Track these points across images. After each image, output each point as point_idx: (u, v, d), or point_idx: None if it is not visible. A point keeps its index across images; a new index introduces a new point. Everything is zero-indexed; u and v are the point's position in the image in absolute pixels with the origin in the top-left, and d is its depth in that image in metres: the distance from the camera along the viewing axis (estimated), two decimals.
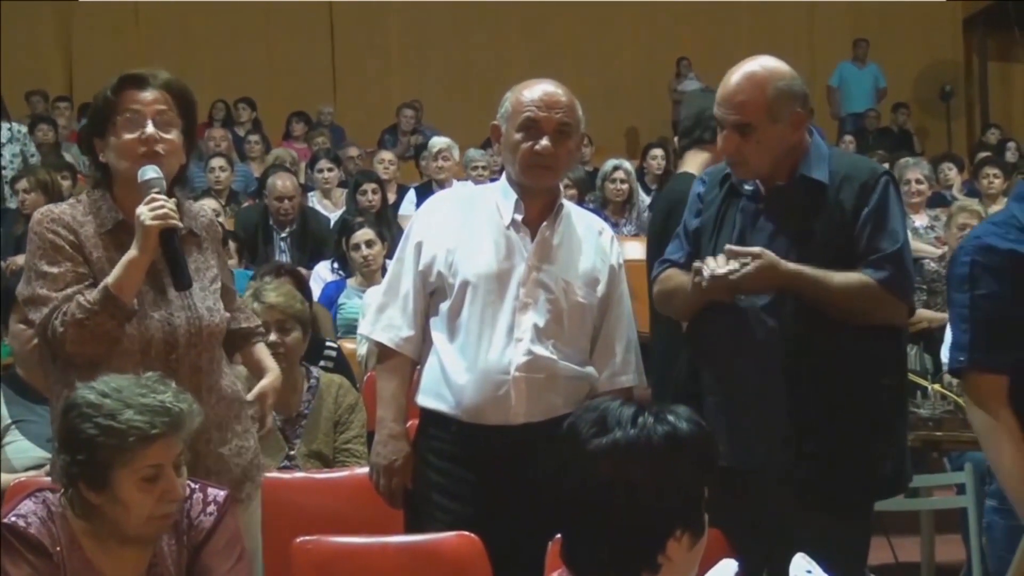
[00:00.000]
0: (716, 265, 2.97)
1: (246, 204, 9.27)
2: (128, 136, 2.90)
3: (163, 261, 2.87)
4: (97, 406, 2.44)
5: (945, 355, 5.16)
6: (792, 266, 2.99)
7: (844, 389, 3.00)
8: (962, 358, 2.89)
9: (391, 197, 9.06)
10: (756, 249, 2.98)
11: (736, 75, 3.07)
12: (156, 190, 2.84)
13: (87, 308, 2.77)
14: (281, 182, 7.96)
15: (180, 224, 2.85)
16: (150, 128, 2.90)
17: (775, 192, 3.10)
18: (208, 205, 5.67)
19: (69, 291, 2.81)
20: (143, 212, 2.80)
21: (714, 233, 3.14)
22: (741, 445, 2.98)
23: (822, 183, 3.06)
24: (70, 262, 2.85)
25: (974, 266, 2.88)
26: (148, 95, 2.93)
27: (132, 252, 2.81)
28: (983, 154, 11.47)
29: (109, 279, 2.80)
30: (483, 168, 9.09)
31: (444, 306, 3.17)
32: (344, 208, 8.70)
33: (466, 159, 9.42)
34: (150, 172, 2.86)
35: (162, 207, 2.80)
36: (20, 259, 7.25)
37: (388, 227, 7.35)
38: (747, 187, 3.13)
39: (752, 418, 3.02)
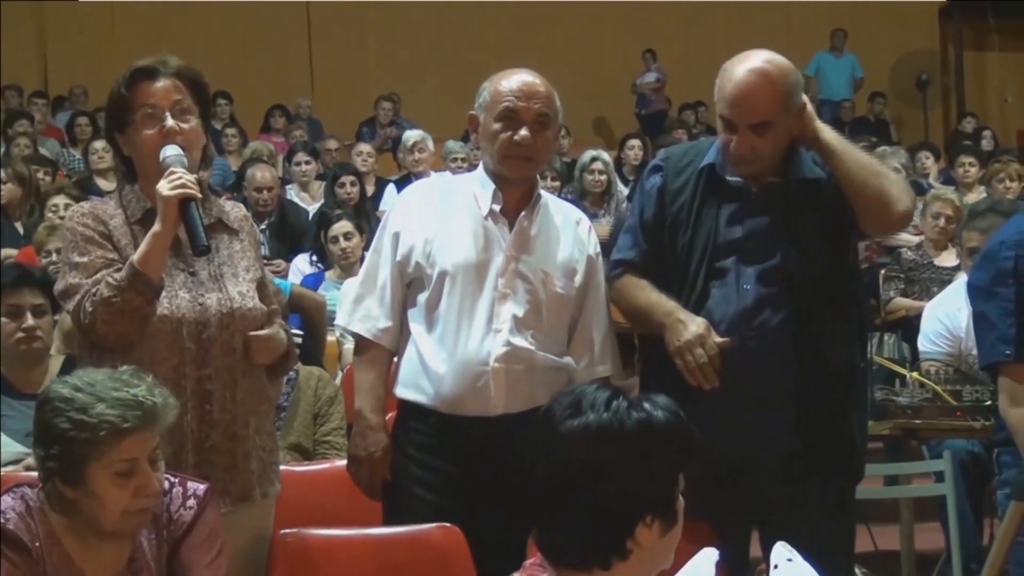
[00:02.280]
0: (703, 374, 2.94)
1: (224, 198, 9.21)
2: (148, 132, 2.92)
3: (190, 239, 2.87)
4: (70, 400, 2.43)
5: (922, 344, 5.17)
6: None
7: (835, 369, 3.04)
8: (1008, 351, 2.93)
9: (369, 189, 9.05)
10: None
11: (746, 75, 2.98)
12: (176, 166, 2.84)
13: (114, 286, 2.77)
14: (260, 173, 7.96)
15: (198, 194, 2.85)
16: (169, 122, 2.91)
17: (770, 189, 3.09)
18: None
19: (99, 276, 2.82)
20: (162, 185, 2.81)
21: (689, 227, 3.11)
22: (737, 437, 2.97)
23: (819, 179, 3.09)
24: (100, 249, 2.87)
25: (1019, 260, 2.92)
26: (161, 85, 2.95)
27: (155, 227, 2.81)
28: (960, 143, 11.54)
29: (135, 256, 2.81)
30: (462, 160, 9.09)
31: (422, 297, 3.16)
32: (322, 201, 8.68)
33: (445, 151, 9.41)
34: (170, 150, 2.88)
35: (179, 178, 2.81)
36: None
37: (366, 219, 7.36)
38: (731, 179, 3.11)
39: (752, 411, 3.01)
